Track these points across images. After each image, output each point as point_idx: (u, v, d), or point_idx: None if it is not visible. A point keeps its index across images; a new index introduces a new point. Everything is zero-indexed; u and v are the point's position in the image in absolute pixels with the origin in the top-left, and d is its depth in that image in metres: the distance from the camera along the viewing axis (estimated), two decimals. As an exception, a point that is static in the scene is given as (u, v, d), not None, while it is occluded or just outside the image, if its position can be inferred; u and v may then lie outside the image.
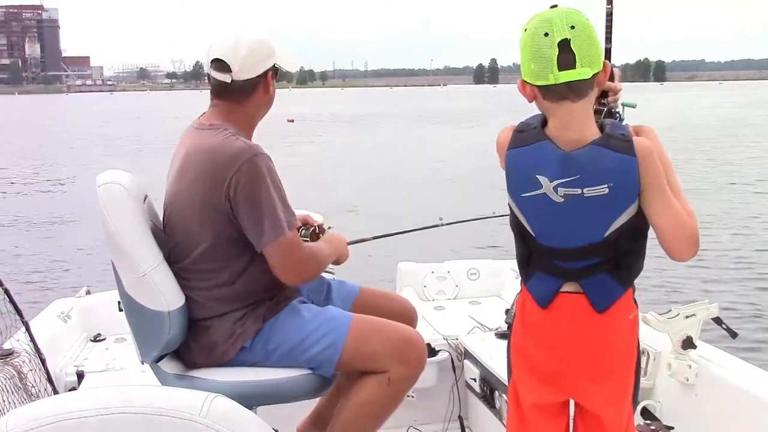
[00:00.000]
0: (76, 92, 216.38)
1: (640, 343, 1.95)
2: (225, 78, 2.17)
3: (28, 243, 11.59)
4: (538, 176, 1.81)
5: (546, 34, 1.74)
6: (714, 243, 10.41)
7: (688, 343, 2.53)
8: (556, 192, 1.80)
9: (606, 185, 1.76)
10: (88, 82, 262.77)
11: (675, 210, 1.80)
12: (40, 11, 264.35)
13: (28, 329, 2.68)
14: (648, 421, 2.56)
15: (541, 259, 1.90)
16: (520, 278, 2.00)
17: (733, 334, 2.63)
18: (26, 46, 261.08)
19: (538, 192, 1.82)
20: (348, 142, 29.91)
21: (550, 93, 1.79)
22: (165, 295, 2.09)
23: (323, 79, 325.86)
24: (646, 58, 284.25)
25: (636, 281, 1.91)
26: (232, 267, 2.15)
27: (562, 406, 1.96)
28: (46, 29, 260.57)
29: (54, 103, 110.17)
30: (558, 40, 1.73)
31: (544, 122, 1.86)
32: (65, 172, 20.70)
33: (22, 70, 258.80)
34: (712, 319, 2.60)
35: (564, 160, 1.79)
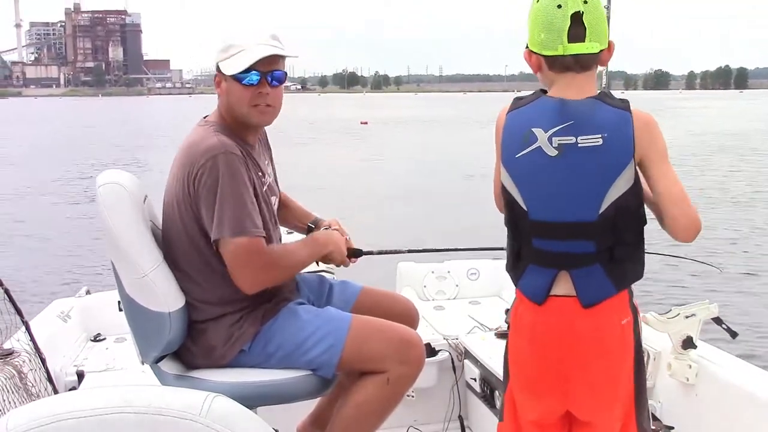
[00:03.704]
0: (156, 95, 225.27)
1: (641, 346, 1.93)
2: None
3: (29, 242, 11.59)
4: (533, 129, 1.82)
5: (559, 6, 1.78)
6: (715, 242, 10.43)
7: (688, 343, 2.53)
8: (551, 143, 1.80)
9: (600, 135, 1.76)
10: (168, 85, 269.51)
11: (680, 182, 1.81)
12: (123, 16, 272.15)
13: (28, 329, 2.68)
14: (648, 421, 2.56)
15: (532, 248, 1.87)
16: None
17: (733, 334, 2.62)
18: (110, 50, 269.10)
19: (532, 147, 1.82)
20: (412, 143, 31.45)
21: (556, 64, 1.84)
22: (165, 295, 2.09)
23: (398, 83, 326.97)
24: (727, 65, 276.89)
25: (635, 285, 1.89)
26: (220, 267, 2.11)
27: (560, 422, 1.94)
28: (129, 33, 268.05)
29: (135, 105, 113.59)
30: (571, 12, 1.78)
31: (544, 91, 1.90)
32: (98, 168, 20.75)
33: (105, 73, 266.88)
34: (712, 319, 2.59)
35: (560, 105, 1.81)
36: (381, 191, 16.27)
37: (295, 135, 34.15)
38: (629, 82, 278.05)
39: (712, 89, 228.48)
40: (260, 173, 2.22)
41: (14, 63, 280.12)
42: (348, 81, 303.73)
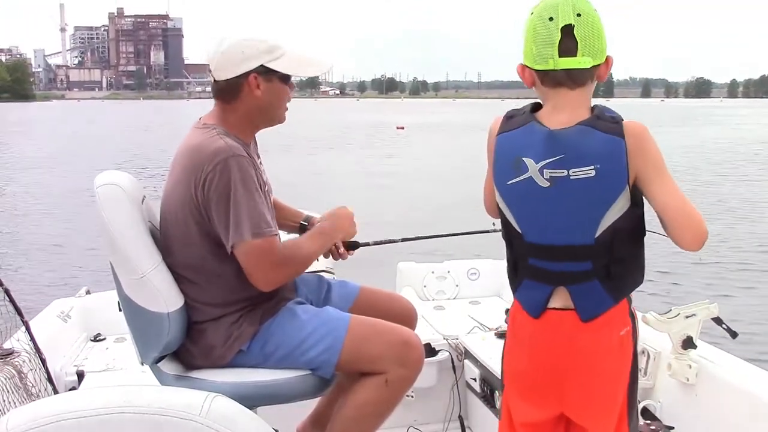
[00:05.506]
0: (196, 98, 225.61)
1: (641, 344, 1.93)
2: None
3: (28, 242, 11.59)
4: (524, 159, 1.78)
5: (551, 19, 1.73)
6: (716, 242, 10.43)
7: (688, 343, 2.53)
8: (542, 175, 1.75)
9: (592, 167, 1.71)
10: (208, 89, 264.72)
11: (680, 192, 1.76)
12: (165, 21, 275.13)
13: (28, 329, 2.68)
14: (648, 421, 2.56)
15: (528, 265, 1.85)
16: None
17: (733, 334, 2.62)
18: (151, 54, 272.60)
19: (523, 177, 1.78)
20: (446, 150, 31.31)
21: (548, 78, 1.78)
22: (164, 296, 2.08)
23: (436, 89, 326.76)
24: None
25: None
26: (222, 269, 2.12)
27: (554, 424, 1.93)
28: (171, 38, 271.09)
29: (175, 108, 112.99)
30: (561, 25, 1.72)
31: (535, 108, 1.84)
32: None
33: (146, 77, 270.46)
34: (712, 319, 2.59)
35: (549, 138, 1.76)
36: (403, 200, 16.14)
37: (327, 139, 34.29)
38: (670, 90, 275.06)
39: (755, 98, 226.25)
40: (259, 172, 2.22)
41: (59, 66, 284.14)
42: (386, 86, 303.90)
